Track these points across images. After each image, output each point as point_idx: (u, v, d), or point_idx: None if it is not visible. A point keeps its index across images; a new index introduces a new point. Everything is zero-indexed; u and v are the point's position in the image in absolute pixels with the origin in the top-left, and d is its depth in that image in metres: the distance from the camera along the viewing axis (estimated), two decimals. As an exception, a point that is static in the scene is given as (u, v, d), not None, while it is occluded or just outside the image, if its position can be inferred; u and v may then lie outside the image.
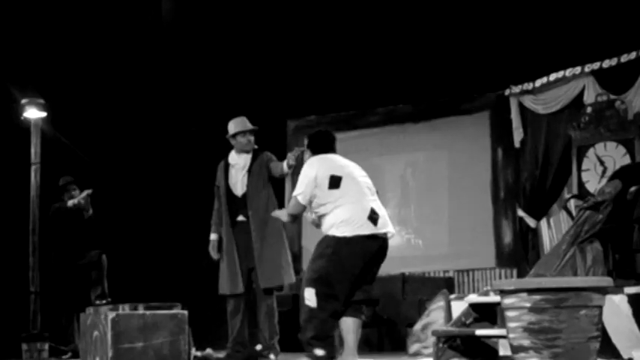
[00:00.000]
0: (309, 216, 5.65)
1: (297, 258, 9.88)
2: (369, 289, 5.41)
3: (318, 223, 5.57)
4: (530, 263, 8.22)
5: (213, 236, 7.11)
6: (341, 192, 5.34)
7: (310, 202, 5.43)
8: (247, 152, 7.07)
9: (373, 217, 5.30)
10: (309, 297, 5.25)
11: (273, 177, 7.10)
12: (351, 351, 5.40)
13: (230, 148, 7.16)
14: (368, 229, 5.26)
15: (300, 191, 5.44)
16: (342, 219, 5.26)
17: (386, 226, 5.36)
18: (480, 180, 9.13)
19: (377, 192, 5.53)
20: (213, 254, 7.10)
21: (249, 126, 7.08)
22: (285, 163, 6.86)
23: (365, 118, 9.85)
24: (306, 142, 5.78)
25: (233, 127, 7.06)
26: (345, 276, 5.23)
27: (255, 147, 7.11)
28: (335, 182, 5.37)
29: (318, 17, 9.61)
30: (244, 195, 6.98)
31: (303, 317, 5.32)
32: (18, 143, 8.75)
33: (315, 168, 5.47)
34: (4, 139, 9.09)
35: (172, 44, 10.35)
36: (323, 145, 5.73)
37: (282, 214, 5.87)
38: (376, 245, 5.31)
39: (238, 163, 7.07)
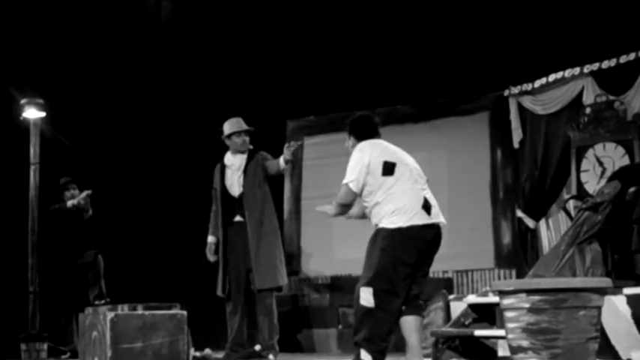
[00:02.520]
0: (352, 212, 5.31)
1: (295, 258, 9.89)
2: (424, 282, 5.13)
3: (359, 215, 5.29)
4: (529, 264, 8.22)
5: (210, 238, 7.14)
6: (395, 179, 5.04)
7: (362, 191, 5.09)
8: (243, 153, 7.09)
9: (427, 206, 5.02)
10: (366, 297, 4.90)
11: (270, 176, 7.11)
12: (416, 351, 5.06)
13: (227, 149, 7.18)
14: (422, 218, 4.97)
15: (353, 178, 5.08)
16: (396, 208, 4.96)
17: (439, 216, 5.08)
18: (479, 180, 9.13)
19: (427, 180, 5.23)
20: (210, 257, 7.12)
21: (244, 126, 7.10)
22: (281, 159, 6.88)
23: (364, 118, 9.83)
24: (347, 129, 5.40)
25: (228, 127, 7.08)
26: (404, 270, 4.92)
27: (251, 147, 7.12)
28: (389, 169, 5.05)
29: (317, 17, 9.61)
30: (240, 195, 7.00)
31: (357, 318, 4.98)
32: (17, 143, 8.76)
33: (368, 153, 5.11)
34: (3, 139, 9.09)
35: (171, 45, 10.35)
36: (368, 129, 5.35)
37: (328, 209, 5.44)
38: (431, 234, 5.02)
39: (234, 163, 7.09)
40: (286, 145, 6.82)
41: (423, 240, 4.97)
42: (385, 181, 5.02)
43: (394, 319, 4.97)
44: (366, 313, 4.89)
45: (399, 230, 4.92)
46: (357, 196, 5.13)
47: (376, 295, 4.87)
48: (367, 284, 4.92)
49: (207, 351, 7.51)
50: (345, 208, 5.26)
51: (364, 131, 5.33)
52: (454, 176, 9.33)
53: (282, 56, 9.85)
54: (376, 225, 5.06)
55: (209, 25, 10.13)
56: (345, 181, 5.14)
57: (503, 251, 8.88)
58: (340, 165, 9.81)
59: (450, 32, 8.97)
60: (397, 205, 4.96)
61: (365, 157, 5.09)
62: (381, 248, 4.94)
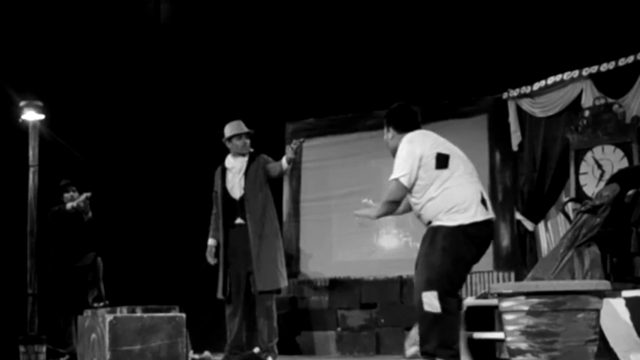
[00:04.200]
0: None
1: (294, 261, 9.88)
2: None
3: (404, 211, 5.02)
4: (527, 266, 8.21)
5: (210, 241, 7.14)
6: (450, 172, 4.73)
7: (413, 185, 4.77)
8: (243, 155, 7.09)
9: (484, 200, 4.75)
10: (430, 301, 4.59)
11: (272, 179, 7.12)
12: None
13: (227, 151, 7.19)
14: (482, 214, 4.70)
15: (404, 172, 4.73)
16: (455, 203, 4.67)
17: (492, 210, 4.84)
18: (478, 183, 9.14)
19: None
20: (210, 259, 7.13)
21: (244, 129, 7.11)
22: (284, 159, 6.88)
23: (363, 120, 9.85)
24: (384, 121, 5.06)
25: (229, 130, 7.09)
26: (464, 269, 4.70)
27: (251, 150, 7.13)
28: (443, 161, 4.73)
29: (316, 20, 9.61)
30: (241, 198, 7.01)
31: (424, 326, 4.65)
32: (16, 145, 8.76)
33: (419, 144, 4.77)
34: (2, 142, 9.10)
35: (170, 47, 10.35)
36: (410, 119, 5.01)
37: (369, 212, 5.10)
38: (489, 230, 4.79)
39: (235, 166, 7.10)
40: (291, 145, 6.81)
41: (482, 237, 4.75)
42: (439, 175, 4.73)
43: (459, 319, 4.76)
44: (434, 319, 4.59)
45: (459, 228, 4.64)
46: (406, 191, 4.81)
47: (441, 299, 4.57)
48: (429, 287, 4.61)
49: (206, 353, 7.51)
50: (394, 205, 4.93)
51: (406, 121, 4.99)
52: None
53: (282, 59, 9.85)
54: (429, 222, 4.78)
55: (208, 28, 10.13)
56: (394, 176, 4.80)
57: (502, 254, 8.87)
58: (339, 167, 9.98)
59: (449, 35, 8.97)
60: (456, 201, 4.68)
61: (416, 149, 4.77)
62: (442, 248, 4.64)
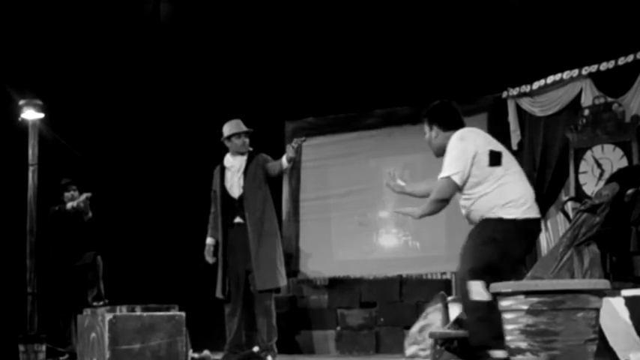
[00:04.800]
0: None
1: (294, 260, 9.88)
2: None
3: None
4: (527, 266, 8.21)
5: (209, 240, 7.15)
6: (503, 169, 4.68)
7: (464, 183, 4.70)
8: (242, 154, 7.10)
9: (536, 199, 4.72)
10: (478, 290, 4.50)
11: (271, 178, 7.11)
12: None
13: (226, 150, 7.18)
14: (535, 212, 4.65)
15: (458, 170, 4.67)
16: (511, 198, 4.61)
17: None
18: (478, 182, 9.14)
19: None
20: (209, 258, 7.13)
21: (243, 128, 7.11)
22: (284, 158, 6.88)
23: (363, 119, 9.85)
24: (425, 119, 4.96)
25: (228, 129, 7.09)
26: (508, 265, 4.61)
27: (250, 149, 7.13)
28: (496, 158, 4.67)
29: (316, 19, 9.61)
30: (241, 197, 7.01)
31: (475, 316, 4.57)
32: (16, 144, 8.76)
33: (472, 142, 4.71)
34: (2, 140, 9.09)
35: (170, 46, 10.35)
36: (454, 116, 4.95)
37: (412, 211, 4.99)
38: (538, 230, 4.77)
39: (234, 165, 7.10)
40: (292, 144, 6.81)
41: (533, 235, 4.74)
42: (493, 172, 4.67)
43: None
44: (485, 308, 4.46)
45: (514, 222, 4.59)
46: (458, 189, 4.74)
47: (488, 288, 4.37)
48: (474, 277, 4.54)
49: (206, 352, 7.51)
50: (443, 204, 4.82)
51: (451, 119, 4.93)
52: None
53: (281, 58, 9.85)
54: (481, 217, 4.71)
55: (208, 27, 10.13)
56: (446, 174, 4.73)
57: (502, 253, 8.86)
58: (339, 166, 9.98)
59: (449, 34, 8.97)
60: (512, 196, 4.63)
61: (470, 146, 4.70)
62: (493, 239, 4.58)
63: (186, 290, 9.12)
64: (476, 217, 4.78)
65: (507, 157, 4.78)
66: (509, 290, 3.91)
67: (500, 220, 4.62)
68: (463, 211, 4.88)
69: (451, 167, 4.71)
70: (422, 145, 9.51)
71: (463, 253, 4.78)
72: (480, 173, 4.68)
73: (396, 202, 9.72)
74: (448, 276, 9.16)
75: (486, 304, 4.48)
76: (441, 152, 4.92)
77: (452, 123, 4.92)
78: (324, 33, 9.57)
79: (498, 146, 4.83)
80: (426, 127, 5.00)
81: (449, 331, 5.93)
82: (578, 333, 3.77)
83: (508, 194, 4.65)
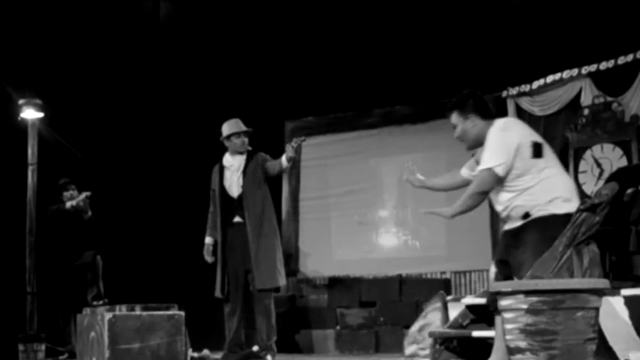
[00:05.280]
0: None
1: (293, 259, 9.88)
2: None
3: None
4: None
5: (208, 240, 7.15)
6: (545, 161, 4.52)
7: (506, 175, 4.49)
8: (241, 154, 7.10)
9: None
10: None
11: (270, 177, 7.11)
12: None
13: (225, 150, 7.18)
14: (576, 205, 4.46)
15: (501, 161, 4.45)
16: (558, 193, 4.47)
17: None
18: (478, 181, 9.13)
19: None
20: (208, 258, 7.13)
21: (243, 127, 7.11)
22: (284, 157, 6.88)
23: (363, 119, 9.85)
24: (457, 111, 4.70)
25: (227, 128, 7.09)
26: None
27: (249, 148, 7.13)
28: (538, 150, 4.48)
29: (315, 18, 9.61)
30: (240, 196, 7.00)
31: None
32: (15, 144, 8.75)
33: (516, 133, 4.52)
34: (1, 140, 9.09)
35: (170, 45, 10.35)
36: (488, 105, 4.76)
37: (444, 212, 4.79)
38: None
39: (233, 164, 7.10)
40: (292, 143, 6.81)
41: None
42: (535, 164, 4.49)
43: None
44: None
45: (567, 216, 4.42)
46: (500, 182, 4.53)
47: None
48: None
49: (205, 352, 7.51)
50: (483, 196, 4.62)
51: (487, 107, 4.74)
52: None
53: (281, 57, 9.85)
54: (526, 214, 4.53)
55: (207, 26, 10.13)
56: (487, 166, 4.51)
57: (502, 252, 8.86)
58: (338, 166, 9.98)
59: (448, 33, 8.97)
60: (559, 191, 4.50)
61: (513, 137, 4.50)
62: (553, 236, 4.38)
63: (186, 290, 9.12)
64: (519, 213, 4.57)
65: (547, 150, 4.63)
66: (509, 289, 3.91)
67: (555, 216, 4.48)
68: (499, 207, 4.69)
69: (494, 158, 4.50)
70: (422, 144, 9.61)
71: (522, 258, 4.54)
72: (521, 165, 4.50)
73: (396, 201, 9.74)
74: (448, 275, 9.17)
75: None
76: (478, 143, 4.72)
77: (488, 111, 4.73)
78: (323, 32, 9.57)
79: (539, 138, 4.66)
80: (459, 119, 4.74)
81: (448, 330, 5.94)
82: (577, 332, 3.77)
83: (554, 188, 4.50)
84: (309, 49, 9.66)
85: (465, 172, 5.08)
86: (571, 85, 8.22)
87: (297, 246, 10.02)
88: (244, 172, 7.03)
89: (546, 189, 4.50)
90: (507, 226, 4.77)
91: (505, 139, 4.51)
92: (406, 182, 5.17)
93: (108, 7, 9.85)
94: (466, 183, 4.96)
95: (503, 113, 8.76)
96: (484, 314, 5.89)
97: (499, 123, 4.62)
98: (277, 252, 7.02)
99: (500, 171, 4.48)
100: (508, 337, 3.92)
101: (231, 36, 10.02)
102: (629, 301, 5.05)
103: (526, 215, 4.56)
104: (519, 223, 4.61)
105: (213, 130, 7.30)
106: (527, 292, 3.81)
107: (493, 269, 4.87)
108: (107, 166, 9.78)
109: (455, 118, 4.77)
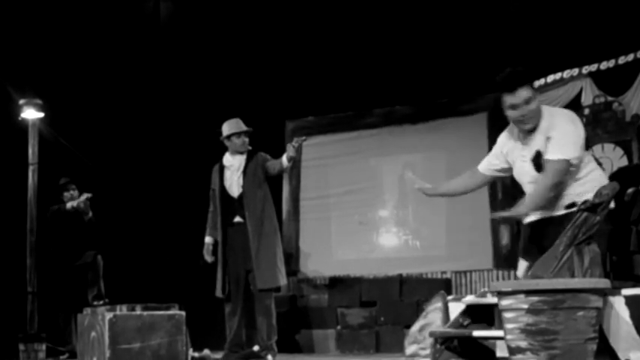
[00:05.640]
0: None
1: (294, 259, 9.88)
2: None
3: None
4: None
5: (207, 239, 7.15)
6: (588, 154, 4.54)
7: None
8: (242, 153, 7.10)
9: None
10: None
11: (271, 177, 7.11)
12: None
13: (226, 149, 7.18)
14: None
15: (577, 155, 4.34)
16: (603, 182, 4.44)
17: None
18: (478, 181, 9.13)
19: None
20: (208, 257, 7.13)
21: (243, 127, 7.11)
22: (284, 157, 6.88)
23: (363, 119, 9.85)
24: (528, 84, 4.55)
25: (227, 128, 7.09)
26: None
27: (250, 148, 7.13)
28: (586, 142, 4.44)
29: (316, 18, 9.61)
30: (240, 196, 7.00)
31: None
32: (16, 144, 8.76)
33: (582, 126, 4.43)
34: (1, 140, 9.09)
35: (170, 45, 10.35)
36: None
37: (518, 212, 4.59)
38: None
39: (233, 164, 7.10)
40: (292, 143, 6.81)
41: None
42: (585, 156, 4.47)
43: None
44: None
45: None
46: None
47: None
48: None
49: (206, 351, 7.51)
50: (561, 186, 4.43)
51: None
52: (453, 177, 9.31)
53: (281, 57, 9.85)
54: (572, 203, 4.45)
55: (208, 26, 10.13)
56: (565, 157, 4.34)
57: (502, 252, 8.87)
58: (339, 165, 9.98)
59: (449, 33, 8.97)
60: (603, 180, 4.48)
61: (582, 130, 4.41)
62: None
63: (186, 289, 9.12)
64: (565, 202, 4.50)
65: None
66: (510, 289, 3.91)
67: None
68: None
69: (571, 150, 4.34)
70: (422, 144, 9.61)
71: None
72: (580, 157, 4.45)
73: (396, 201, 9.74)
74: (448, 275, 9.17)
75: None
76: (535, 121, 4.49)
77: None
78: (323, 32, 9.56)
79: None
80: (533, 92, 4.53)
81: (449, 330, 5.93)
82: (578, 332, 3.77)
83: (599, 181, 4.46)
84: (310, 49, 9.66)
85: (485, 169, 5.03)
86: (571, 85, 8.22)
87: (298, 246, 10.02)
88: (244, 171, 7.03)
89: (591, 181, 4.46)
90: (541, 215, 4.67)
91: (579, 132, 4.39)
92: (418, 190, 5.15)
93: (108, 7, 9.85)
94: (489, 181, 4.91)
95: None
96: (485, 314, 5.89)
97: (569, 115, 4.51)
98: (278, 251, 7.03)
99: (574, 162, 4.38)
100: (509, 336, 3.92)
101: (232, 36, 10.02)
102: (630, 301, 5.04)
103: (572, 205, 4.48)
104: (562, 212, 4.55)
105: (213, 129, 7.29)
106: (528, 292, 3.81)
107: (523, 263, 4.80)
108: (107, 166, 9.78)
109: (527, 91, 4.52)
